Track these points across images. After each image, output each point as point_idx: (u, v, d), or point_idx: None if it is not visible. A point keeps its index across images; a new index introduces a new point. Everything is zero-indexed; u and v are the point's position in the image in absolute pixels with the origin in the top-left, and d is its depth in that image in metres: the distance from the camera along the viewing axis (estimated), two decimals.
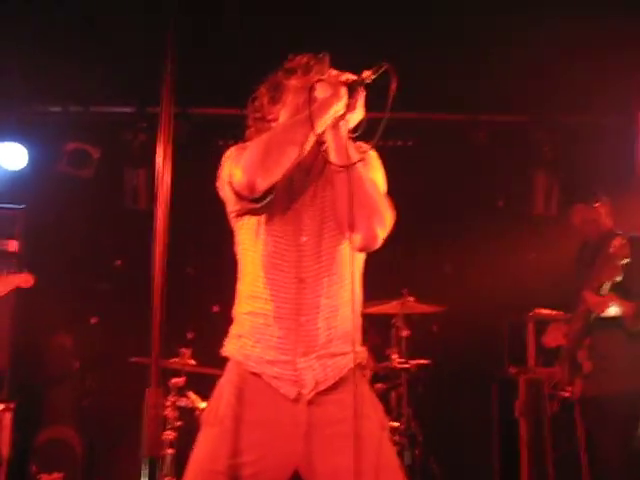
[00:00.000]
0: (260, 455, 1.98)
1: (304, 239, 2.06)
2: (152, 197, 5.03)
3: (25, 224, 4.60)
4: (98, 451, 4.77)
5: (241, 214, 2.12)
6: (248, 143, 2.13)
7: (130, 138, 4.97)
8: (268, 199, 2.02)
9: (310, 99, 1.96)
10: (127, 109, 5.04)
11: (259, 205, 2.03)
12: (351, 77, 2.00)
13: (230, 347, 2.10)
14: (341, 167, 1.98)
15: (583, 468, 3.73)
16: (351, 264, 2.00)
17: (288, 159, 1.95)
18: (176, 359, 3.83)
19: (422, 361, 4.04)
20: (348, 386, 1.97)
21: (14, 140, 4.84)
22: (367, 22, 4.12)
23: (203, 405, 3.76)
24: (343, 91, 1.96)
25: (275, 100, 2.16)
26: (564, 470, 3.96)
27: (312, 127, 1.92)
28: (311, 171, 2.14)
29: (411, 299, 3.99)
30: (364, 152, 2.09)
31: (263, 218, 2.08)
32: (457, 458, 4.71)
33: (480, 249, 4.92)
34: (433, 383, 4.48)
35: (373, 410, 2.04)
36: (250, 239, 2.11)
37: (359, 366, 2.04)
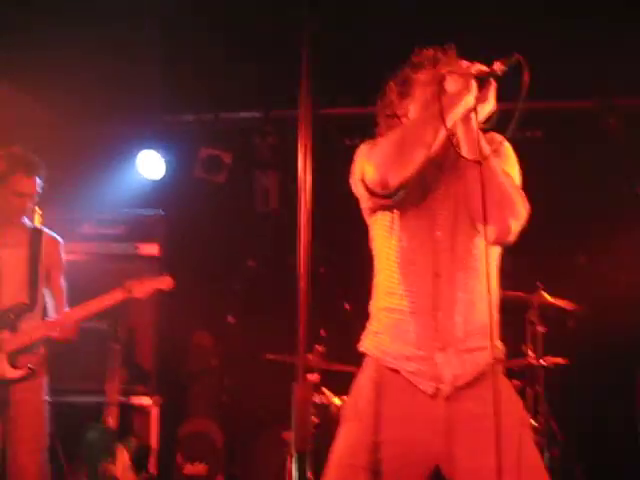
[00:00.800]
0: (400, 450, 1.99)
1: (438, 234, 2.06)
2: (282, 199, 5.19)
3: (165, 229, 4.84)
4: (238, 444, 4.95)
5: (374, 210, 2.15)
6: (379, 139, 2.14)
7: (259, 142, 5.12)
8: (400, 195, 2.03)
9: (440, 92, 1.94)
10: (255, 114, 5.19)
11: (391, 201, 2.05)
12: (482, 68, 1.96)
13: (367, 343, 2.13)
14: (473, 161, 1.97)
15: None
16: (486, 257, 1.96)
17: (419, 156, 1.94)
18: (310, 356, 3.91)
19: (559, 360, 3.91)
20: (486, 382, 1.95)
21: (152, 149, 5.11)
22: (491, 11, 4.03)
23: (337, 401, 3.82)
24: (473, 83, 1.93)
25: (404, 95, 2.17)
26: None
27: (443, 122, 1.90)
28: (443, 165, 2.12)
29: (546, 294, 3.87)
30: (497, 144, 2.06)
31: (397, 213, 2.09)
32: (599, 459, 4.52)
33: (618, 240, 4.69)
34: (571, 380, 4.32)
35: (513, 406, 2.01)
36: (384, 235, 2.12)
37: (497, 361, 2.01)
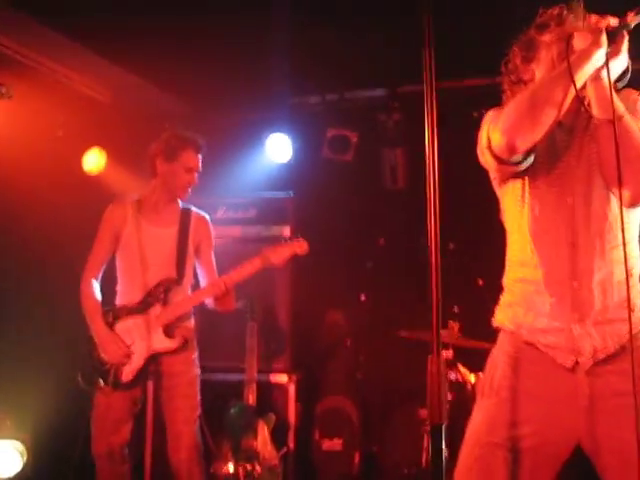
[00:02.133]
0: (539, 427, 1.93)
1: (571, 200, 1.97)
2: (410, 176, 5.11)
3: (295, 210, 4.93)
4: (374, 420, 5.00)
5: (504, 179, 2.08)
6: (505, 105, 2.06)
7: (384, 119, 5.09)
8: (530, 160, 1.96)
9: (567, 50, 1.84)
10: (379, 92, 5.16)
11: (521, 167, 1.98)
12: (612, 21, 1.84)
13: (501, 316, 2.08)
14: (607, 121, 1.85)
15: None
16: (622, 223, 1.83)
17: (548, 117, 1.85)
18: (444, 332, 3.88)
19: None
20: (630, 355, 1.83)
21: (280, 132, 5.20)
22: None
23: (472, 378, 3.77)
24: (603, 38, 1.81)
25: (529, 59, 2.08)
26: None
27: (571, 80, 1.79)
28: (574, 128, 2.03)
29: None
30: (632, 101, 1.95)
31: (527, 181, 2.02)
32: None
33: None
34: None
35: None
36: (516, 204, 2.06)
37: (638, 333, 1.90)
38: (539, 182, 2.01)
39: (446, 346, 3.86)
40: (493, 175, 2.12)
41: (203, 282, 3.68)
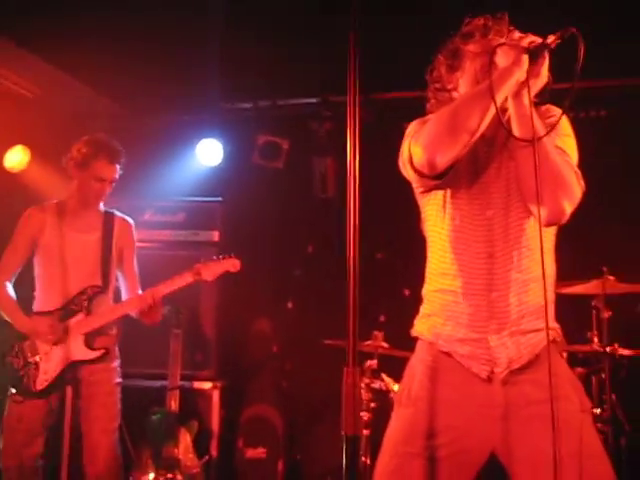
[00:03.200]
0: (456, 436, 1.95)
1: (491, 213, 2.00)
2: (340, 184, 5.16)
3: (224, 215, 4.89)
4: (298, 429, 4.99)
5: (426, 190, 2.10)
6: (429, 116, 2.09)
7: (316, 128, 5.11)
8: (450, 175, 1.98)
9: (490, 66, 1.86)
10: (311, 100, 5.18)
11: (441, 182, 2.00)
12: (534, 41, 1.87)
13: (420, 326, 2.10)
14: (525, 141, 1.88)
15: None
16: (540, 237, 1.85)
17: (468, 134, 1.87)
18: (369, 342, 3.91)
19: (627, 350, 3.79)
20: (544, 365, 1.86)
21: (211, 137, 5.15)
22: None
23: (397, 387, 3.80)
24: (525, 57, 1.85)
25: (454, 68, 2.11)
26: None
27: (492, 100, 1.82)
28: (494, 142, 2.06)
29: (612, 278, 3.75)
30: (551, 117, 1.99)
31: (449, 193, 2.05)
32: None
33: None
34: (638, 367, 4.19)
35: (573, 390, 1.95)
36: (437, 215, 2.08)
37: (554, 343, 1.95)
38: (460, 193, 2.04)
39: (371, 356, 3.88)
40: (415, 185, 2.14)
41: (124, 289, 3.59)
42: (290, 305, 5.26)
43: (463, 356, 1.97)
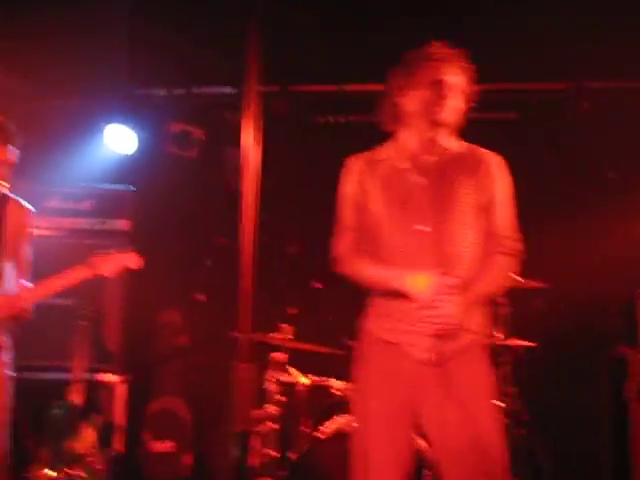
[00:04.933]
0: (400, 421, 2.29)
1: (427, 229, 2.26)
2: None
3: (135, 204, 4.77)
4: (206, 422, 4.93)
5: None
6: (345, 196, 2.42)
7: (230, 118, 5.05)
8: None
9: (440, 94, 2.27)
10: (227, 89, 5.11)
11: None
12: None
13: (368, 322, 2.40)
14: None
15: None
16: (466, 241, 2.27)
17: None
18: (276, 334, 3.88)
19: (527, 343, 3.92)
20: (470, 354, 2.26)
21: (123, 123, 5.01)
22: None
23: (305, 380, 3.81)
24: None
25: (408, 85, 2.31)
26: None
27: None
28: (429, 170, 2.32)
29: (514, 275, 3.86)
30: (478, 160, 2.35)
31: (383, 218, 2.33)
32: (564, 439, 4.57)
33: (589, 222, 4.72)
34: (538, 362, 4.35)
35: (488, 378, 2.30)
36: (376, 230, 2.36)
37: (479, 335, 2.31)
38: (394, 220, 2.30)
39: (278, 349, 3.86)
40: None
41: (12, 282, 3.40)
42: (200, 297, 5.19)
43: (408, 344, 2.27)
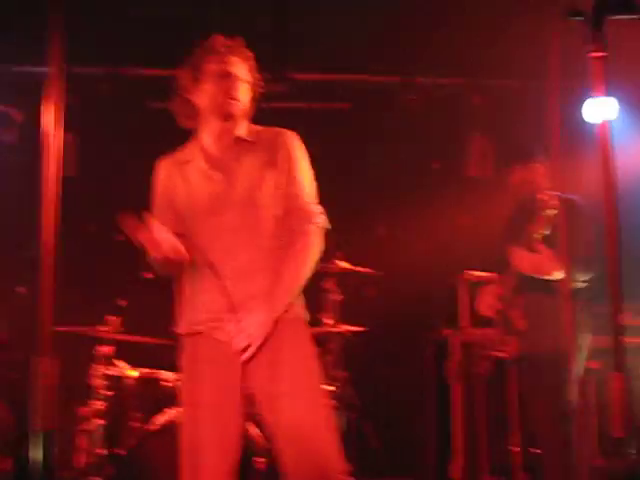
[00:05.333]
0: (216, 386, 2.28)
1: (228, 219, 2.28)
2: (83, 163, 4.81)
3: None
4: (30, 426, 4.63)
5: None
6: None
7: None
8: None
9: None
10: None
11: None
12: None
13: (181, 318, 2.40)
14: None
15: (513, 428, 3.77)
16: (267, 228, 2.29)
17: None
18: (103, 327, 3.71)
19: (356, 327, 4.02)
20: (285, 332, 2.27)
21: None
22: None
23: (132, 373, 3.67)
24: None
25: (197, 80, 2.32)
26: (497, 431, 4.02)
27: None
28: (224, 162, 2.34)
29: (343, 262, 3.96)
30: (279, 143, 2.35)
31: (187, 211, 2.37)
32: (392, 421, 4.74)
33: (415, 211, 4.91)
34: (368, 347, 4.48)
35: (308, 351, 2.33)
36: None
37: (295, 318, 2.33)
38: (201, 221, 2.33)
39: (104, 341, 3.69)
40: None
41: None
42: (21, 290, 4.87)
43: (214, 329, 2.29)
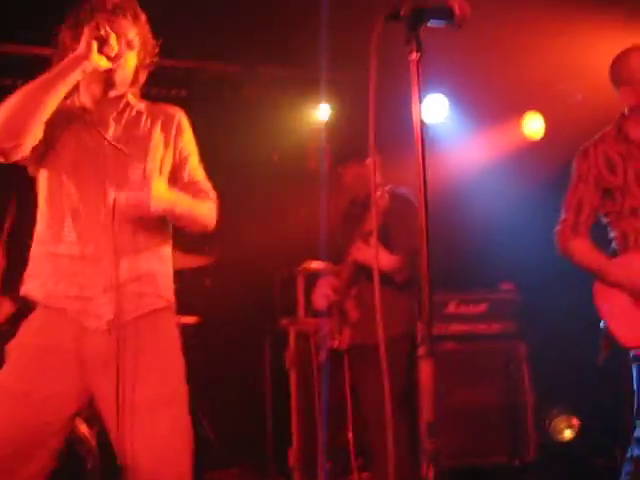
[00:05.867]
0: (50, 380, 2.09)
1: (107, 186, 2.13)
2: None
3: None
4: None
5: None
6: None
7: None
8: (20, 156, 2.06)
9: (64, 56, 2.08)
10: None
11: (26, 160, 2.11)
12: (106, 30, 2.05)
13: (29, 286, 2.18)
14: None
15: (348, 416, 3.88)
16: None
17: (35, 120, 2.01)
18: None
19: (191, 318, 3.96)
20: (151, 324, 2.15)
21: None
22: None
23: None
24: (94, 45, 2.02)
25: (77, 39, 2.10)
26: (332, 419, 4.10)
27: (54, 90, 2.02)
28: (102, 114, 2.19)
29: (175, 252, 3.87)
30: (171, 117, 2.28)
31: (55, 166, 2.15)
32: (231, 412, 4.73)
33: (254, 202, 4.91)
34: (207, 339, 4.42)
35: (174, 351, 2.22)
36: (47, 185, 2.17)
37: (166, 309, 2.23)
38: (68, 167, 2.14)
39: None
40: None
41: None
42: None
43: (75, 311, 2.11)
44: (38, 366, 2.09)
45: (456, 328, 4.38)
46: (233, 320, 4.82)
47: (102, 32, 2.03)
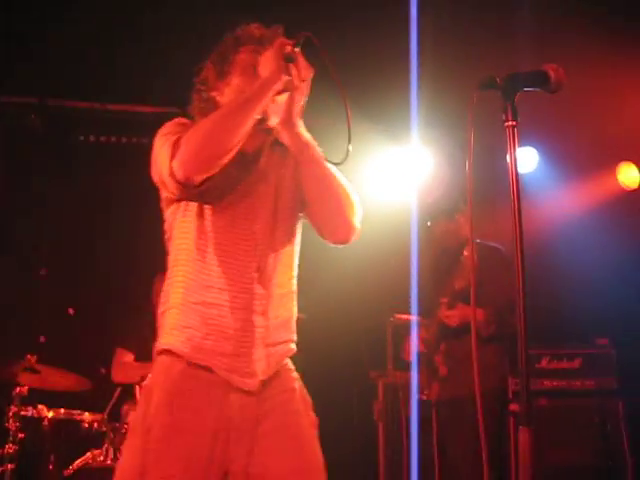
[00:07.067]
0: (189, 464, 1.82)
1: (258, 227, 1.96)
2: None
3: None
4: None
5: (179, 200, 1.97)
6: (183, 120, 1.99)
7: None
8: (205, 187, 1.87)
9: (252, 77, 1.90)
10: None
11: (196, 193, 1.89)
12: (287, 50, 1.86)
13: (172, 339, 1.92)
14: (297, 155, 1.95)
15: (436, 468, 3.84)
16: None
17: (226, 149, 1.82)
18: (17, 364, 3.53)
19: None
20: (280, 377, 1.94)
21: None
22: None
23: (49, 414, 3.51)
24: (283, 65, 1.84)
25: (223, 74, 2.01)
26: (420, 470, 4.06)
27: (249, 113, 1.83)
28: (262, 152, 2.02)
29: None
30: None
31: (210, 203, 1.94)
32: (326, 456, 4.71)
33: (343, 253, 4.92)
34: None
35: (303, 405, 1.97)
36: (194, 224, 1.95)
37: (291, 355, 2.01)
38: (223, 203, 1.95)
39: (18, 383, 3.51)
40: (164, 195, 1.99)
41: None
42: None
43: (225, 370, 1.88)
44: (169, 445, 1.83)
45: (549, 383, 4.26)
46: (321, 372, 4.83)
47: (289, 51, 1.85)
